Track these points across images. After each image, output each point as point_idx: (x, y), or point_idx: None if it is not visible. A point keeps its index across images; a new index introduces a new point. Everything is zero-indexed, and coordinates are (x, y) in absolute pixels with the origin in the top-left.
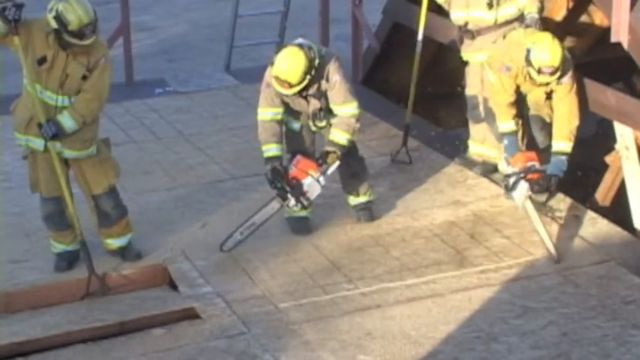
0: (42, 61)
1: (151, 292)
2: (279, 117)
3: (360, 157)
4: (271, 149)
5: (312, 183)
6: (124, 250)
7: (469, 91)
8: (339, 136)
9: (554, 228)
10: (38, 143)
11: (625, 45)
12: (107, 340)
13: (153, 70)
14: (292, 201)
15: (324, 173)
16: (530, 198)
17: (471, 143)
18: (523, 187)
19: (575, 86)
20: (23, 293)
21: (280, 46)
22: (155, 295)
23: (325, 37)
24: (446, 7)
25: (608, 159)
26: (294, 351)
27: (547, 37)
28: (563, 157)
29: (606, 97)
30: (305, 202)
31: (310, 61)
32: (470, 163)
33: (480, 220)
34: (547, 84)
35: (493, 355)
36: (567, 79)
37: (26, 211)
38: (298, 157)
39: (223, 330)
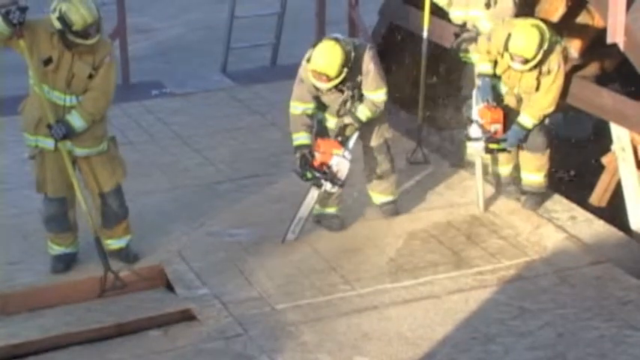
0: (47, 61)
1: (148, 294)
2: (309, 112)
3: (390, 157)
4: (301, 137)
5: (340, 160)
6: (123, 251)
7: (466, 91)
8: (362, 111)
9: (551, 229)
10: (49, 143)
11: (621, 46)
12: (104, 342)
13: (149, 72)
14: (328, 184)
15: (347, 148)
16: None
17: (468, 144)
18: (479, 146)
19: (561, 78)
20: (20, 295)
21: (316, 40)
22: (152, 297)
23: (322, 38)
24: (447, 8)
25: (604, 160)
26: (291, 352)
27: (526, 27)
28: (523, 131)
29: (603, 98)
30: (339, 182)
31: (347, 53)
32: (467, 164)
33: (477, 221)
34: (534, 69)
35: (490, 356)
36: (555, 69)
37: (24, 213)
38: (317, 141)
39: (220, 331)
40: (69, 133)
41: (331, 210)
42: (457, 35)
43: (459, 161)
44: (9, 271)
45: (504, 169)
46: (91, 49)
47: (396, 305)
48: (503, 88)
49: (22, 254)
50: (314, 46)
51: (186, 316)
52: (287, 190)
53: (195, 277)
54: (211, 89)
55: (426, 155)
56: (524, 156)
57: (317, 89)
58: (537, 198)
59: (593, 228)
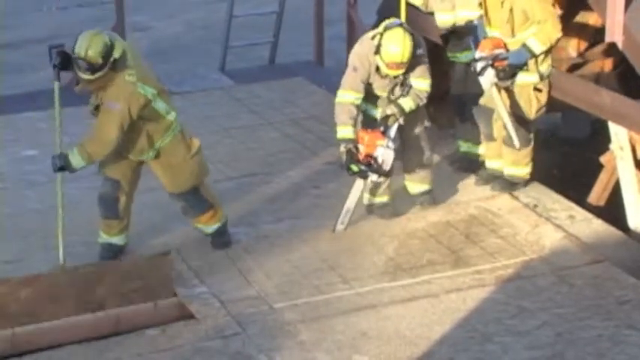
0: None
1: None
2: (358, 102)
3: (430, 145)
4: (347, 131)
5: (385, 151)
6: (211, 235)
7: (456, 90)
8: (406, 102)
9: (549, 228)
10: None
11: (620, 45)
12: (101, 341)
13: None
14: (374, 176)
15: (389, 137)
16: (495, 85)
17: (461, 142)
18: (490, 73)
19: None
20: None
21: (378, 32)
22: None
23: (320, 37)
24: (423, 8)
25: (602, 159)
26: (289, 351)
27: None
28: (528, 53)
29: (601, 97)
30: (385, 172)
31: (413, 37)
32: (463, 163)
33: (475, 221)
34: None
35: (488, 355)
36: None
37: (21, 213)
38: (360, 134)
39: (218, 330)
40: (65, 168)
41: (382, 199)
42: (446, 38)
43: (458, 160)
44: (6, 271)
45: (495, 163)
46: (97, 87)
47: (395, 304)
48: (489, 33)
49: (19, 253)
50: (373, 37)
51: (184, 315)
52: (285, 189)
53: (194, 275)
54: (209, 88)
55: None
56: (504, 149)
57: (381, 76)
58: (504, 183)
59: (591, 227)
